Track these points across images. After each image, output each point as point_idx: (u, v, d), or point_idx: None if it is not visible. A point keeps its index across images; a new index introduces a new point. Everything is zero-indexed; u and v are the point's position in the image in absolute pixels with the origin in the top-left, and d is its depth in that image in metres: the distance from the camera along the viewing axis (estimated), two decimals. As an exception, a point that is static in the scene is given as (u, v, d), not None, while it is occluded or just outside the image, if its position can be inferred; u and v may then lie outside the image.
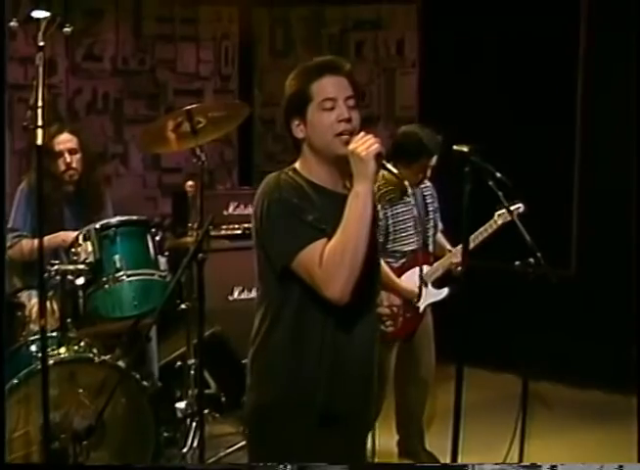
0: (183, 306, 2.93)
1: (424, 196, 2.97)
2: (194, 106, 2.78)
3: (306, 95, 1.62)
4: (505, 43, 4.08)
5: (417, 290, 2.83)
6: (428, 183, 2.99)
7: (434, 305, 2.99)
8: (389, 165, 1.56)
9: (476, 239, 2.85)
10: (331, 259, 1.52)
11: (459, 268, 2.87)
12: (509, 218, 2.80)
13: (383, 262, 2.79)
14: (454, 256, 2.90)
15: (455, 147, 1.84)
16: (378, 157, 1.55)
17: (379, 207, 2.79)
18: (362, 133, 1.57)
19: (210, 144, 4.44)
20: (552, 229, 3.77)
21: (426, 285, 2.92)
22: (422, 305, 2.90)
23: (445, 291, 2.97)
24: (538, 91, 4.01)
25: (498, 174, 2.03)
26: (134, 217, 2.73)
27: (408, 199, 2.86)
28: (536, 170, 3.94)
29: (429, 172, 2.83)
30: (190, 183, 3.00)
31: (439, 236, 3.06)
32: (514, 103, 4.06)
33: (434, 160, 2.80)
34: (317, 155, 1.64)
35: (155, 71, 4.71)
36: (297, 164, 1.68)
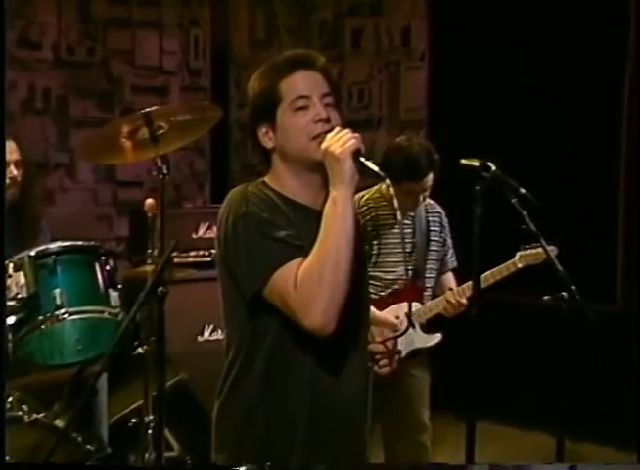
0: (140, 351, 2.89)
1: (428, 223, 3.01)
2: (153, 108, 2.77)
3: (275, 95, 1.65)
4: (532, 31, 4.08)
5: (393, 320, 2.86)
6: (439, 209, 3.04)
7: (437, 352, 2.98)
8: (370, 163, 1.59)
9: (486, 280, 2.85)
10: (307, 278, 1.54)
11: (454, 310, 2.88)
12: (535, 262, 2.79)
13: None
14: (452, 296, 2.91)
15: (463, 161, 1.85)
16: (355, 154, 1.58)
17: (367, 223, 2.84)
18: (337, 129, 1.61)
19: (177, 153, 4.50)
20: (593, 259, 3.77)
21: (412, 326, 2.94)
22: (404, 348, 2.91)
23: (437, 337, 2.98)
24: (575, 91, 3.96)
25: (522, 190, 2.04)
26: (79, 242, 2.71)
27: (406, 222, 2.91)
28: (573, 190, 3.94)
29: (422, 196, 2.87)
30: (149, 201, 3.00)
31: (449, 276, 3.07)
32: (545, 104, 4.04)
33: (429, 180, 2.83)
34: (290, 165, 1.67)
35: (108, 64, 4.72)
36: (266, 178, 1.71)
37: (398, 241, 2.88)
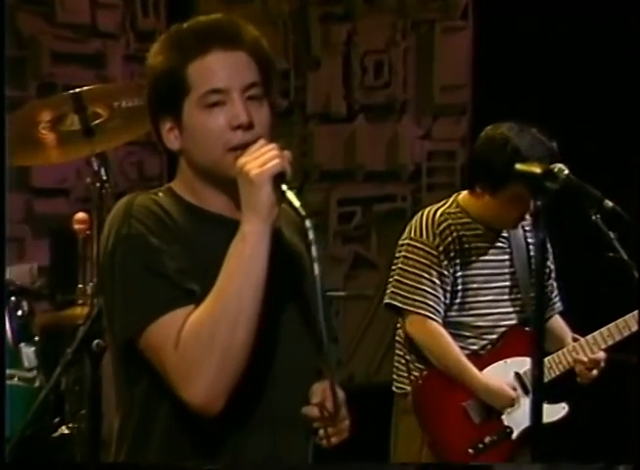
0: (64, 431, 2.91)
1: (527, 246, 3.00)
2: (87, 88, 2.81)
3: (180, 83, 1.67)
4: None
5: (511, 393, 2.87)
6: None
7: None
8: (292, 195, 1.63)
9: (618, 332, 2.86)
10: (193, 338, 1.59)
11: (592, 371, 2.88)
12: None
13: (450, 338, 2.86)
14: (581, 349, 2.90)
15: (519, 166, 1.85)
16: (277, 180, 1.62)
17: (449, 248, 2.85)
18: (260, 141, 1.65)
19: (120, 150, 4.48)
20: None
21: (527, 392, 2.92)
22: (517, 425, 2.91)
23: (562, 408, 2.97)
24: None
25: (609, 203, 2.06)
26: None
27: (499, 244, 2.92)
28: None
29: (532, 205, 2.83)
30: (80, 216, 3.02)
31: (558, 322, 3.06)
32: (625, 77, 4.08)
33: None
34: (201, 175, 1.71)
35: (14, 19, 4.72)
36: (173, 184, 1.76)
37: (490, 272, 2.91)
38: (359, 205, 4.85)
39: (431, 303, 2.86)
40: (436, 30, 4.75)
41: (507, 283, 2.93)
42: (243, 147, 1.65)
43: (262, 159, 1.61)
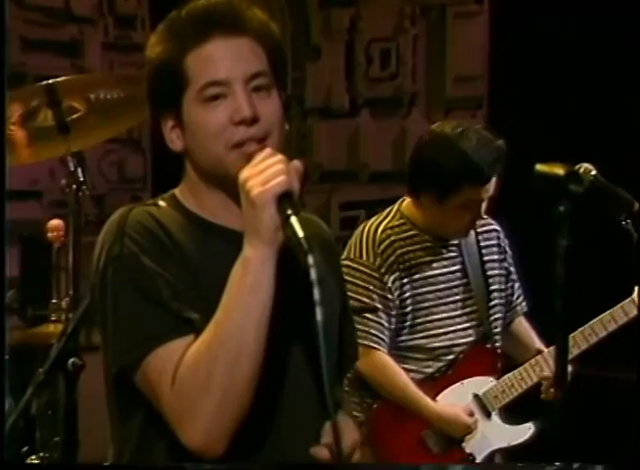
0: (34, 461, 2.91)
1: (480, 250, 3.04)
2: (61, 79, 2.80)
3: (179, 75, 1.68)
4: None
5: (467, 419, 2.89)
6: (494, 226, 3.08)
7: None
8: (296, 222, 1.58)
9: (592, 334, 2.90)
10: (190, 376, 1.60)
11: (552, 389, 2.87)
12: None
13: (397, 368, 2.89)
14: (545, 362, 2.94)
15: (540, 168, 1.84)
16: (281, 200, 1.58)
17: (393, 267, 2.86)
18: (267, 150, 1.63)
19: (99, 149, 4.48)
20: None
21: (488, 414, 2.97)
22: (478, 451, 2.95)
23: (529, 429, 3.01)
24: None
25: (640, 206, 2.05)
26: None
27: (449, 254, 2.95)
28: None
29: (482, 209, 2.89)
30: (54, 222, 3.02)
31: (520, 323, 3.10)
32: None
33: (492, 186, 2.85)
34: (206, 181, 1.71)
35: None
36: (177, 190, 1.76)
37: (442, 287, 2.93)
38: (363, 208, 4.85)
39: (374, 331, 2.86)
40: (449, 16, 4.76)
41: (460, 296, 2.96)
42: (248, 141, 1.64)
43: (266, 175, 1.58)
